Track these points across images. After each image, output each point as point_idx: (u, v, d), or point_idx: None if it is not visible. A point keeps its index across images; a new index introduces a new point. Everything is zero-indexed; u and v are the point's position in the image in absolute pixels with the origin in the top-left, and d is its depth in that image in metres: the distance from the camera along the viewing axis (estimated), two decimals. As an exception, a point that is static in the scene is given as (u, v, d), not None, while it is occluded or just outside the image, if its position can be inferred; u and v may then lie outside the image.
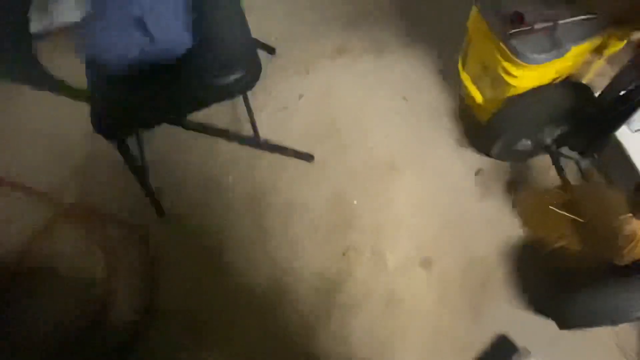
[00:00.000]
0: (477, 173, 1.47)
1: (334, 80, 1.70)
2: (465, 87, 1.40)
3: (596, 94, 1.17)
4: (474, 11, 1.21)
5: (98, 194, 1.53)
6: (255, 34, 1.21)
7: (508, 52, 1.10)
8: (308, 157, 1.55)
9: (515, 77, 1.14)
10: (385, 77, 1.68)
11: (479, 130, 1.43)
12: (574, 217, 1.08)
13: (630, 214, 0.92)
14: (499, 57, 1.14)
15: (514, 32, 1.05)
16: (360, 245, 1.41)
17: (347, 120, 1.62)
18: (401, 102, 1.63)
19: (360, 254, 1.40)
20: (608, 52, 1.15)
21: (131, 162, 1.22)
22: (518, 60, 1.09)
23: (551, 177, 1.38)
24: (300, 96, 1.69)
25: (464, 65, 1.41)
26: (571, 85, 1.16)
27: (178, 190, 1.52)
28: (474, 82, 1.38)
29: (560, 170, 1.21)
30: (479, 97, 1.36)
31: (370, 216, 1.45)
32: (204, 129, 1.31)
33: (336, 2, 1.87)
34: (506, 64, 1.13)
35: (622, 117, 1.14)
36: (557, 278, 1.20)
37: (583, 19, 1.05)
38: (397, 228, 1.43)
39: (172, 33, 1.05)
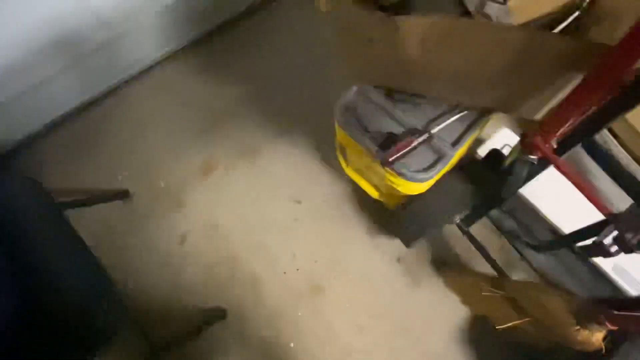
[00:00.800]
0: (399, 261, 1.36)
1: (214, 205, 1.45)
2: (356, 183, 1.26)
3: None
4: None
5: None
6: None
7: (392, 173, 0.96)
8: (220, 316, 1.31)
9: (404, 188, 1.01)
10: (268, 184, 1.47)
11: (390, 222, 1.31)
12: (516, 317, 1.02)
13: (578, 327, 0.86)
14: (382, 173, 1.00)
15: (394, 159, 0.91)
16: (316, 396, 1.24)
17: (246, 250, 1.39)
18: (296, 206, 1.44)
19: (320, 407, 1.23)
20: (487, 125, 1.07)
21: None
22: (403, 180, 0.96)
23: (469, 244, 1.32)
24: (183, 239, 1.42)
25: (346, 163, 1.25)
26: (469, 168, 1.07)
27: None
28: (363, 178, 1.24)
29: (487, 257, 1.13)
30: (374, 194, 1.23)
31: (314, 355, 1.28)
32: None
33: (183, 113, 1.58)
34: (392, 179, 1.00)
35: (522, 184, 1.09)
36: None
37: (456, 119, 0.95)
38: (347, 356, 1.28)
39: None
